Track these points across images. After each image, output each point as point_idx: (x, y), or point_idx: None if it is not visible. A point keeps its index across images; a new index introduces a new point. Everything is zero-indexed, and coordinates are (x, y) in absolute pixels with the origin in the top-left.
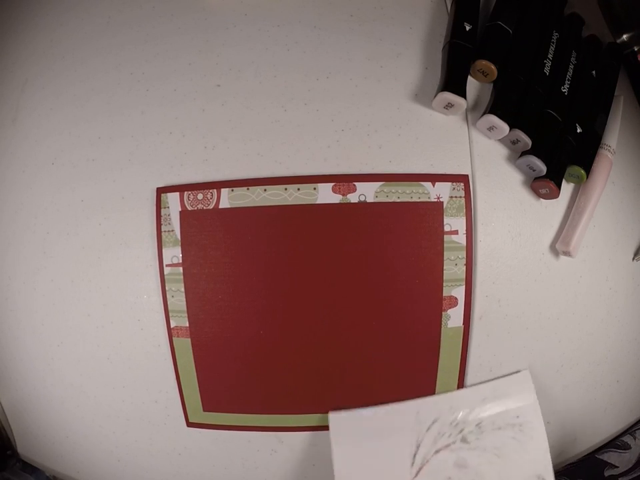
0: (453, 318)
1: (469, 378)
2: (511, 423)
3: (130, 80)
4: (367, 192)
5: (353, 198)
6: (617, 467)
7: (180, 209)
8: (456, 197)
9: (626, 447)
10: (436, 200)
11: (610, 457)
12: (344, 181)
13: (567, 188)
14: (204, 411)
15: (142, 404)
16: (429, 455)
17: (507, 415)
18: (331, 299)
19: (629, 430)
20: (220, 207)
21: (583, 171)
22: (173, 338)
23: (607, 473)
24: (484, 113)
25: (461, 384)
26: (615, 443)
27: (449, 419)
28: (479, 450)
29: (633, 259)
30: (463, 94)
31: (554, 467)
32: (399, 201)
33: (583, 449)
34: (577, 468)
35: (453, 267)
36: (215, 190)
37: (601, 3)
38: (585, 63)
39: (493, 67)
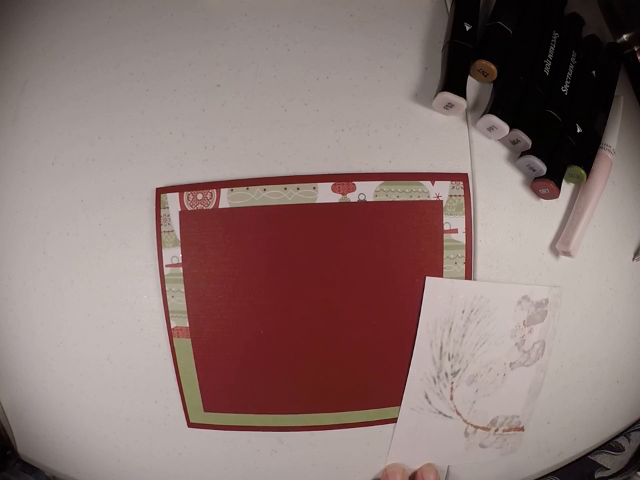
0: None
1: None
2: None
3: (130, 80)
4: (366, 191)
5: (352, 197)
6: (608, 469)
7: (180, 209)
8: (455, 195)
9: (620, 449)
10: (435, 199)
11: (602, 458)
12: (343, 180)
13: (567, 188)
14: (205, 411)
15: (142, 404)
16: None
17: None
18: (331, 298)
19: (625, 431)
20: (220, 206)
21: (582, 171)
22: (174, 338)
23: (597, 475)
24: (484, 113)
25: None
26: (609, 444)
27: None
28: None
29: (633, 258)
30: (463, 94)
31: (552, 467)
32: (398, 200)
33: (583, 449)
34: (568, 468)
35: (452, 266)
36: (214, 190)
37: (600, 3)
38: (585, 63)
39: (492, 67)
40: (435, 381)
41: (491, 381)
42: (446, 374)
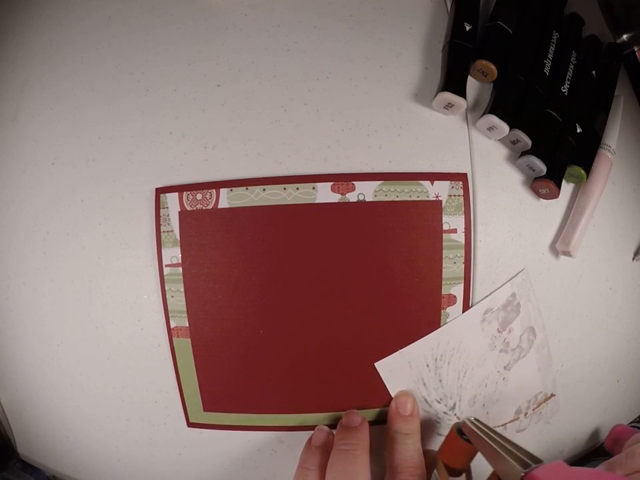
0: (452, 316)
1: None
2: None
3: (130, 80)
4: (365, 191)
5: (351, 197)
6: None
7: (179, 209)
8: (454, 195)
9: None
10: (435, 199)
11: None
12: (343, 180)
13: (566, 188)
14: (204, 410)
15: (142, 404)
16: None
17: None
18: (331, 298)
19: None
20: (219, 207)
21: (582, 171)
22: (173, 338)
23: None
24: (484, 113)
25: None
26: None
27: None
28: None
29: (633, 258)
30: (463, 94)
31: None
32: (397, 199)
33: (583, 449)
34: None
35: (451, 265)
36: (213, 190)
37: (601, 3)
38: (585, 62)
39: (492, 66)
40: (438, 422)
41: (492, 391)
42: (444, 412)
